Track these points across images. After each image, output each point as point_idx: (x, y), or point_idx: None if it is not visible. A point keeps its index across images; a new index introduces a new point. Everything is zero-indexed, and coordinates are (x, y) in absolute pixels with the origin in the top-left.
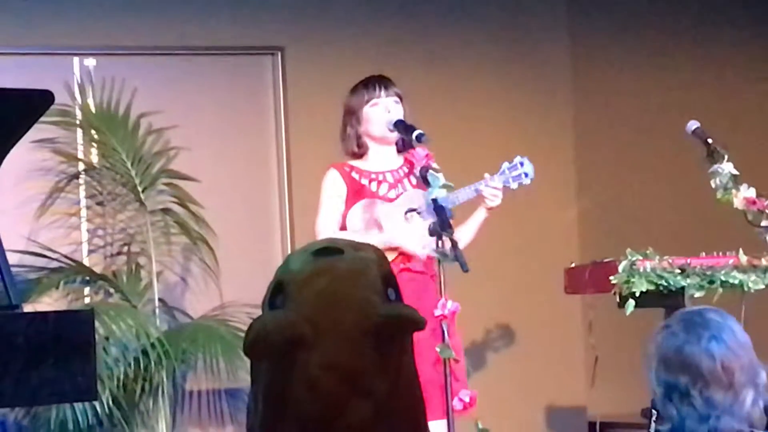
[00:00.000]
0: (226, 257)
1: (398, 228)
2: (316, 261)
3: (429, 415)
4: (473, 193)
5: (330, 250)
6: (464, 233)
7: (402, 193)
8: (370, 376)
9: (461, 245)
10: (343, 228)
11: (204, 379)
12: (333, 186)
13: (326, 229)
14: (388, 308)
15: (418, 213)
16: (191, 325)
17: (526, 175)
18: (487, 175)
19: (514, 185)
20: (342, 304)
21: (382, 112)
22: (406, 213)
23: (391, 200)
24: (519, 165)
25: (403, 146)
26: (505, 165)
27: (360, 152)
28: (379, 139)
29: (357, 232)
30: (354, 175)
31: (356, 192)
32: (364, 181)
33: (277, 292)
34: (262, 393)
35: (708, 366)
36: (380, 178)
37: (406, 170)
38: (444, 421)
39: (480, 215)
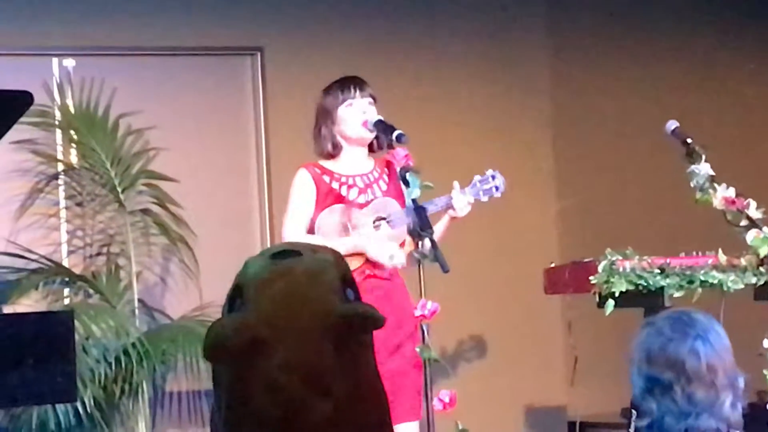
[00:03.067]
0: (205, 258)
1: (366, 235)
2: (274, 264)
3: (404, 417)
4: (444, 204)
5: (288, 252)
6: None
7: (372, 200)
8: (329, 376)
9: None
10: (311, 231)
11: (184, 380)
12: (303, 187)
13: (294, 231)
14: (346, 307)
15: (388, 222)
16: (171, 325)
17: (497, 188)
18: (456, 184)
19: (484, 198)
20: (300, 304)
21: (357, 113)
22: (374, 222)
23: (360, 205)
24: (491, 178)
25: (378, 147)
26: (477, 178)
27: (333, 153)
28: (354, 140)
29: (325, 237)
30: (324, 177)
31: (326, 194)
32: (335, 185)
33: (236, 295)
34: (223, 395)
35: (693, 364)
36: (350, 182)
37: (376, 175)
38: (416, 423)
39: (443, 223)
